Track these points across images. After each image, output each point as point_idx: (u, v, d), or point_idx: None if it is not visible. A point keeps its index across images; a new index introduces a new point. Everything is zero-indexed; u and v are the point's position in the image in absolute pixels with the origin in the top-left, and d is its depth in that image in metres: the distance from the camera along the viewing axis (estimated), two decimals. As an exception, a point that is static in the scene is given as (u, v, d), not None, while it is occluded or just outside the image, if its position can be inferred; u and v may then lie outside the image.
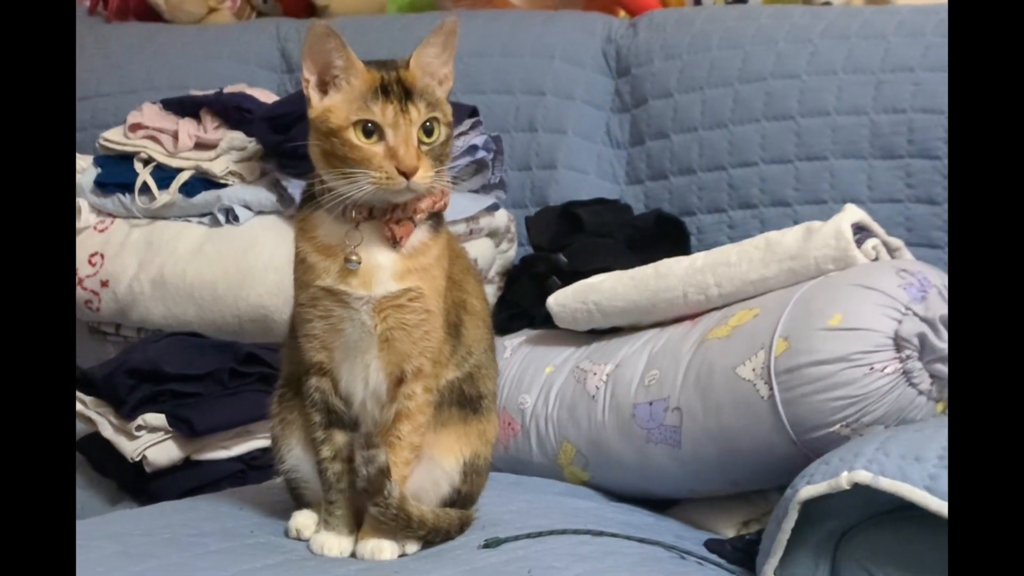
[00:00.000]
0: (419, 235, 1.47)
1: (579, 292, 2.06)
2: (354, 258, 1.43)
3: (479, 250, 2.35)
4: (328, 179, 1.43)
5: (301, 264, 1.48)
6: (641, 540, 1.63)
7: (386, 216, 1.44)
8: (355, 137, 1.41)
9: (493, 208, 2.38)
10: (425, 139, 1.42)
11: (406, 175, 1.39)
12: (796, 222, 2.08)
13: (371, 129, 1.40)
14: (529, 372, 2.07)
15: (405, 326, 1.46)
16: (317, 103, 1.44)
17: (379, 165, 1.40)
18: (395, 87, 1.41)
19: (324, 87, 1.44)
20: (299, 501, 1.57)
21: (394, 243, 1.45)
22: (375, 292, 1.44)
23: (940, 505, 1.36)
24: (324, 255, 1.45)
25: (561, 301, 2.07)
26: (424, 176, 1.41)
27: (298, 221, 1.49)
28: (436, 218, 1.49)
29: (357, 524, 1.49)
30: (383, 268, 1.45)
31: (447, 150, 1.45)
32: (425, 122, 1.42)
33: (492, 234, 2.39)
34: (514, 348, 2.15)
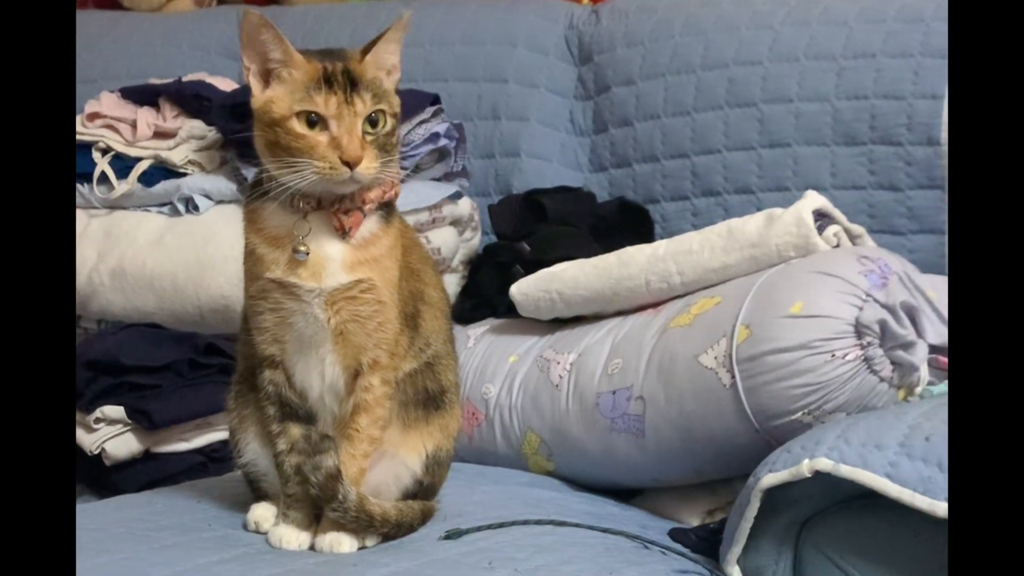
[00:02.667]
0: (369, 225, 1.45)
1: (542, 281, 2.05)
2: (302, 248, 1.42)
3: (442, 238, 2.34)
4: (272, 169, 1.41)
5: (250, 256, 1.46)
6: (604, 530, 1.62)
7: (334, 206, 1.43)
8: (298, 126, 1.39)
9: (456, 196, 2.37)
10: (370, 130, 1.41)
11: (350, 165, 1.38)
12: (760, 209, 2.07)
13: (315, 119, 1.39)
14: (493, 361, 2.06)
15: (359, 318, 1.44)
16: (259, 93, 1.43)
17: (323, 155, 1.38)
18: (340, 77, 1.40)
19: (266, 77, 1.43)
20: (258, 494, 1.56)
21: (343, 234, 1.43)
22: (325, 284, 1.43)
23: (900, 492, 1.37)
24: (273, 246, 1.44)
25: (524, 290, 2.07)
26: (369, 167, 1.39)
27: (246, 212, 1.48)
28: (387, 208, 1.47)
29: (316, 516, 1.48)
30: (333, 259, 1.43)
31: (393, 140, 1.44)
32: (371, 113, 1.41)
33: (455, 222, 2.38)
34: (477, 337, 2.15)
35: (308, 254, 1.42)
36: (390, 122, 1.43)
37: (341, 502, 1.42)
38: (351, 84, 1.40)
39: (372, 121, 1.41)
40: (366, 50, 1.45)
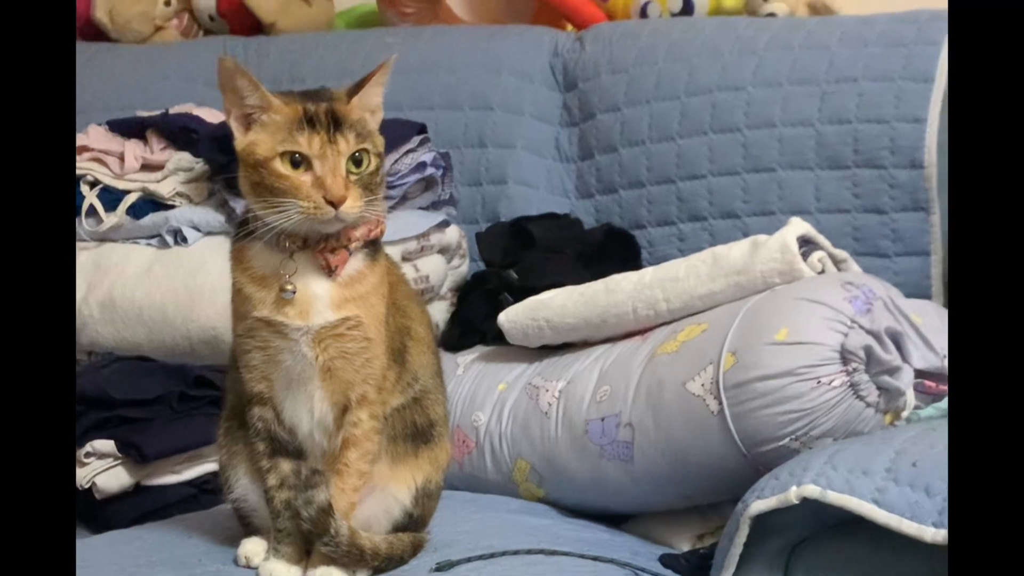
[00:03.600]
0: (355, 264, 1.46)
1: (530, 309, 2.05)
2: (289, 287, 1.43)
3: (431, 267, 2.34)
4: (258, 209, 1.42)
5: (237, 295, 1.47)
6: (595, 558, 1.63)
7: (320, 245, 1.44)
8: (282, 167, 1.40)
9: (444, 224, 2.37)
10: (354, 169, 1.42)
11: (334, 204, 1.39)
12: (746, 234, 2.09)
13: (298, 160, 1.40)
14: (482, 389, 2.07)
15: (346, 355, 1.45)
16: (241, 136, 1.44)
17: (307, 195, 1.39)
18: (323, 118, 1.41)
19: (246, 120, 1.44)
20: (248, 528, 1.56)
21: (329, 272, 1.44)
22: (312, 322, 1.44)
23: (887, 518, 1.37)
24: (259, 286, 1.45)
25: (512, 318, 2.07)
26: (353, 206, 1.40)
27: (233, 252, 1.48)
28: (373, 246, 1.48)
29: (307, 551, 1.48)
30: (320, 298, 1.44)
31: (378, 179, 1.45)
32: (355, 153, 1.42)
33: (443, 250, 2.38)
34: (467, 365, 2.15)
35: (295, 293, 1.43)
36: (374, 161, 1.44)
37: (333, 536, 1.43)
38: (334, 124, 1.41)
39: (356, 161, 1.42)
40: (352, 91, 1.46)
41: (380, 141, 1.47)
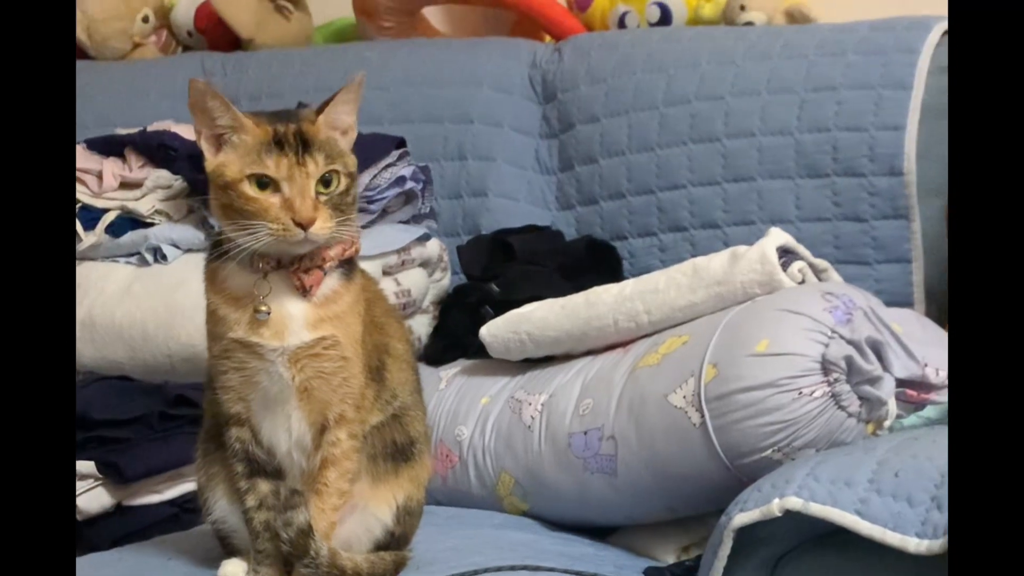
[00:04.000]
0: (330, 283, 1.46)
1: (511, 322, 2.05)
2: (263, 308, 1.42)
3: (412, 280, 2.34)
4: (228, 231, 1.42)
5: (212, 316, 1.47)
6: (578, 573, 1.62)
7: (294, 266, 1.43)
8: (249, 190, 1.40)
9: (424, 238, 2.37)
10: (323, 190, 1.41)
11: (303, 226, 1.39)
12: (727, 244, 2.08)
13: (266, 182, 1.40)
14: (465, 403, 2.06)
15: (323, 374, 1.45)
16: (211, 157, 1.44)
17: (275, 216, 1.39)
18: (292, 139, 1.41)
19: (217, 141, 1.43)
20: (228, 550, 1.55)
21: (304, 292, 1.44)
22: (288, 343, 1.43)
23: (870, 529, 1.37)
24: (234, 306, 1.44)
25: (493, 332, 2.07)
26: (323, 227, 1.40)
27: (207, 273, 1.48)
28: (348, 265, 1.48)
29: (287, 572, 1.47)
30: (295, 318, 1.44)
31: (349, 200, 1.44)
32: (324, 175, 1.41)
33: (425, 264, 2.38)
34: (449, 379, 2.14)
35: (269, 314, 1.43)
36: (344, 181, 1.43)
37: (313, 558, 1.42)
38: (303, 145, 1.41)
39: (326, 181, 1.42)
40: (320, 111, 1.45)
41: (351, 161, 1.46)
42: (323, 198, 1.41)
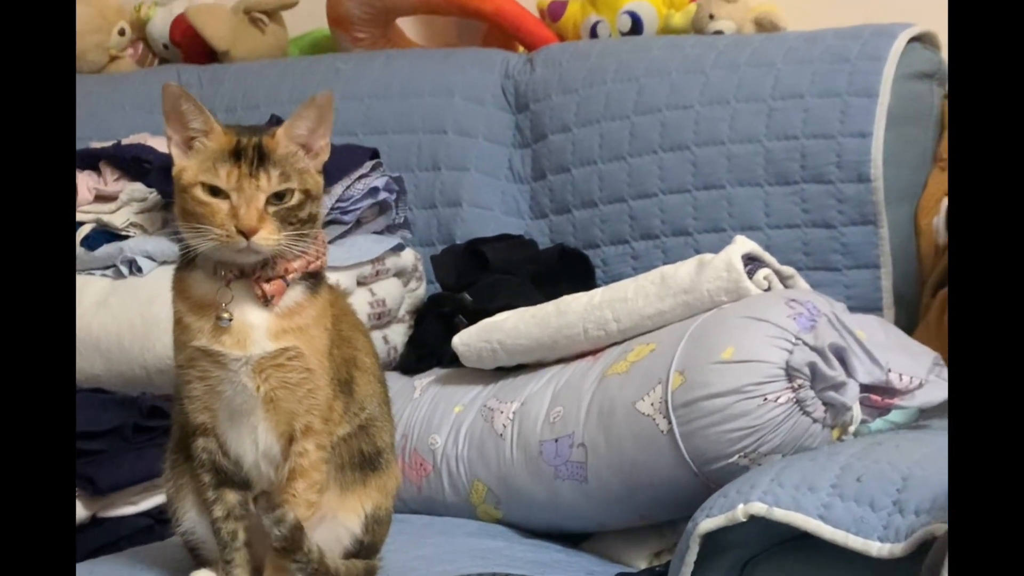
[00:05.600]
0: (293, 295, 1.47)
1: (483, 331, 2.06)
2: (225, 315, 1.44)
3: (387, 290, 2.35)
4: (183, 232, 1.45)
5: (177, 324, 1.48)
6: (549, 580, 1.63)
7: (256, 275, 1.45)
8: (202, 194, 1.43)
9: (399, 248, 2.38)
10: (275, 202, 1.43)
11: (245, 235, 1.40)
12: (698, 251, 2.10)
13: (218, 189, 1.42)
14: (439, 412, 2.07)
15: (288, 385, 1.46)
16: (179, 161, 1.46)
17: (220, 223, 1.41)
18: (250, 152, 1.43)
19: (188, 146, 1.46)
20: (198, 560, 1.56)
21: (265, 302, 1.45)
22: (251, 352, 1.45)
23: (833, 533, 1.39)
24: (198, 315, 1.46)
25: (466, 340, 2.08)
26: (267, 238, 1.42)
27: (174, 281, 1.50)
28: (313, 279, 1.49)
29: (256, 582, 1.49)
30: (257, 328, 1.45)
31: (304, 215, 1.45)
32: (277, 192, 1.43)
33: (399, 274, 2.39)
34: (423, 388, 2.15)
35: (231, 320, 1.44)
36: (297, 196, 1.44)
37: (306, 553, 1.44)
38: (259, 159, 1.43)
39: (279, 195, 1.43)
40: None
41: (313, 180, 1.47)
42: (272, 209, 1.43)
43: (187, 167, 1.45)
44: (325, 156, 1.49)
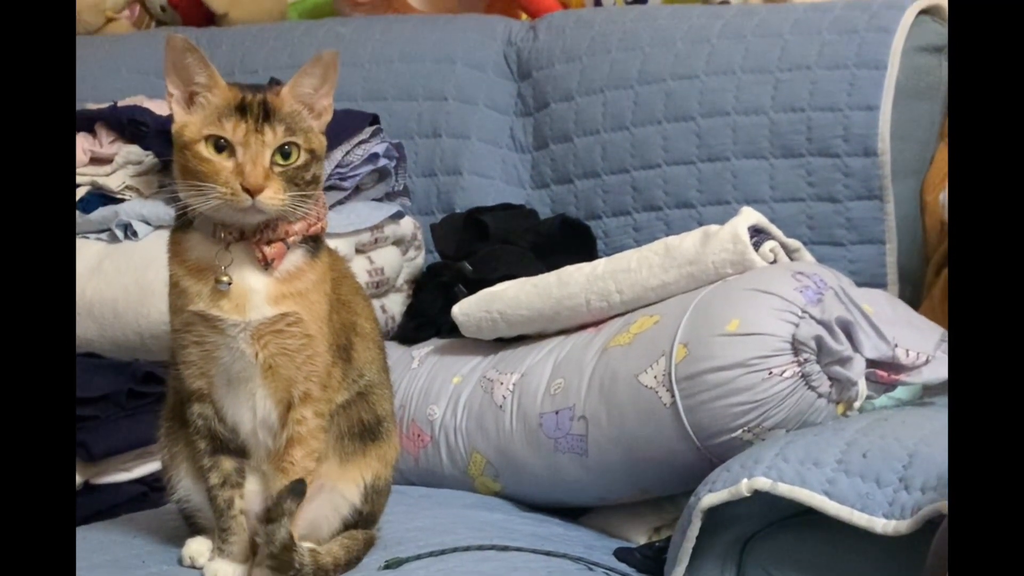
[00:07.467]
0: (293, 259, 1.45)
1: (483, 301, 2.04)
2: (224, 279, 1.41)
3: (385, 258, 2.33)
4: (182, 192, 1.41)
5: (174, 288, 1.46)
6: (547, 553, 1.62)
7: (256, 237, 1.42)
8: (205, 151, 1.39)
9: (398, 216, 2.35)
10: (281, 161, 1.40)
11: (251, 193, 1.37)
12: (700, 223, 2.07)
13: (223, 145, 1.39)
14: (437, 382, 2.05)
15: (287, 351, 1.44)
16: (180, 117, 1.43)
17: (225, 180, 1.38)
18: (255, 107, 1.40)
19: (189, 102, 1.43)
20: (193, 528, 1.55)
21: (265, 265, 1.42)
22: (250, 317, 1.42)
23: (838, 509, 1.38)
24: (196, 278, 1.43)
25: (465, 310, 2.06)
26: (272, 197, 1.39)
27: (170, 243, 1.47)
28: (314, 243, 1.47)
29: (252, 550, 1.46)
30: (256, 292, 1.43)
31: (308, 176, 1.42)
32: (283, 145, 1.40)
33: (398, 242, 2.37)
34: (422, 358, 2.13)
35: (230, 284, 1.42)
36: (303, 156, 1.42)
37: (299, 570, 1.42)
38: (265, 114, 1.40)
39: (284, 153, 1.41)
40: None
41: (317, 139, 1.45)
42: (278, 169, 1.40)
43: (189, 123, 1.41)
44: (328, 117, 1.46)
